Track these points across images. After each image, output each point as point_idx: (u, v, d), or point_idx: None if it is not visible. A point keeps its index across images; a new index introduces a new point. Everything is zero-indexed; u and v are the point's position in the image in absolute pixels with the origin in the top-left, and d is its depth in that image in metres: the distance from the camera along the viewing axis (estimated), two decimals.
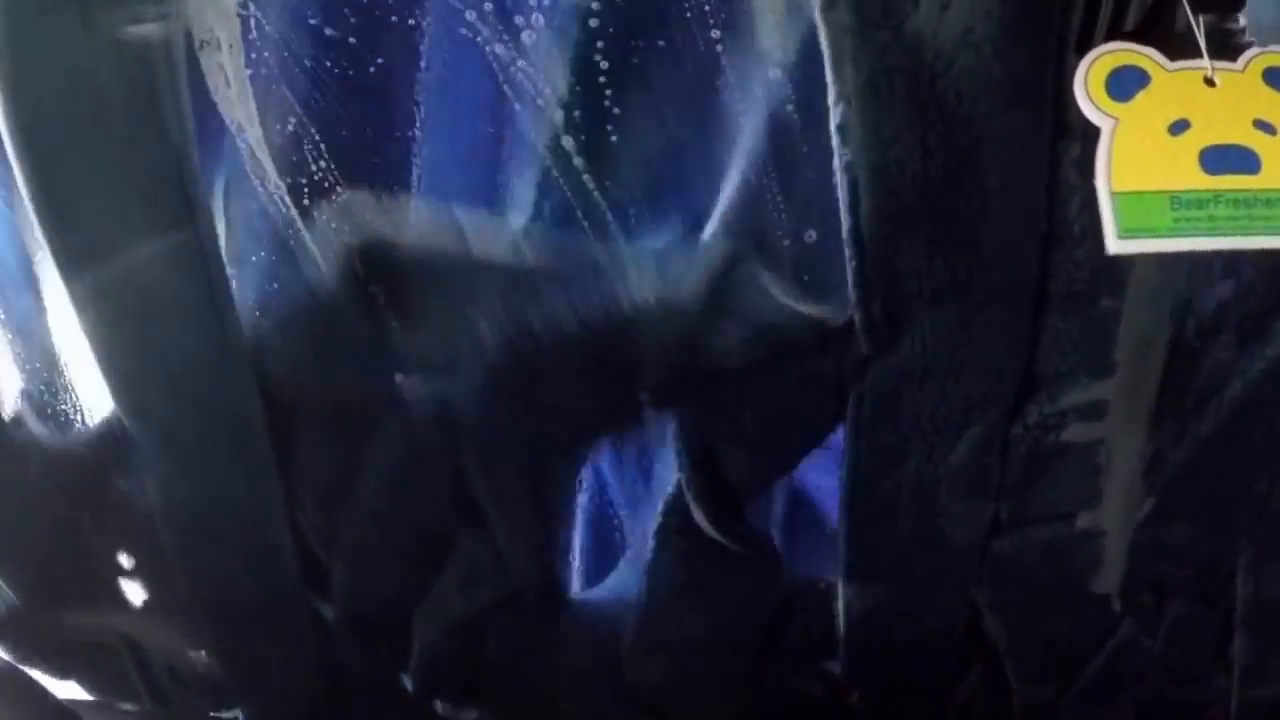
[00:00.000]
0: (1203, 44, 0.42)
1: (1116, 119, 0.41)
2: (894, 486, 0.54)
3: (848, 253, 0.48)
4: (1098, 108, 0.41)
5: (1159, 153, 0.41)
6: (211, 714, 0.62)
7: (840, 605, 0.59)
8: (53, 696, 0.56)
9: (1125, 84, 0.41)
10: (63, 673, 0.59)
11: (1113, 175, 0.40)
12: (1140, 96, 0.41)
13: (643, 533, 0.59)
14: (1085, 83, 0.41)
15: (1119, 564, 0.56)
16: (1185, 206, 0.40)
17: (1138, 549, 0.56)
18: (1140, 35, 0.43)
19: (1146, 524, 0.55)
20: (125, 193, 0.48)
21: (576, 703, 0.64)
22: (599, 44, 0.46)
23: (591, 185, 0.48)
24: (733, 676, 0.63)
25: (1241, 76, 0.42)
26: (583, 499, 0.63)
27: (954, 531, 0.56)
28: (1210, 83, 0.42)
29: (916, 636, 0.61)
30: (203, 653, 0.58)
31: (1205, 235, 0.40)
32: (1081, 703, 0.62)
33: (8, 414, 0.56)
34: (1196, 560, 0.57)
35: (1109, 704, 0.62)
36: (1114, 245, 0.40)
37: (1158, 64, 0.42)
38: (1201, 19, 0.41)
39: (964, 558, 0.57)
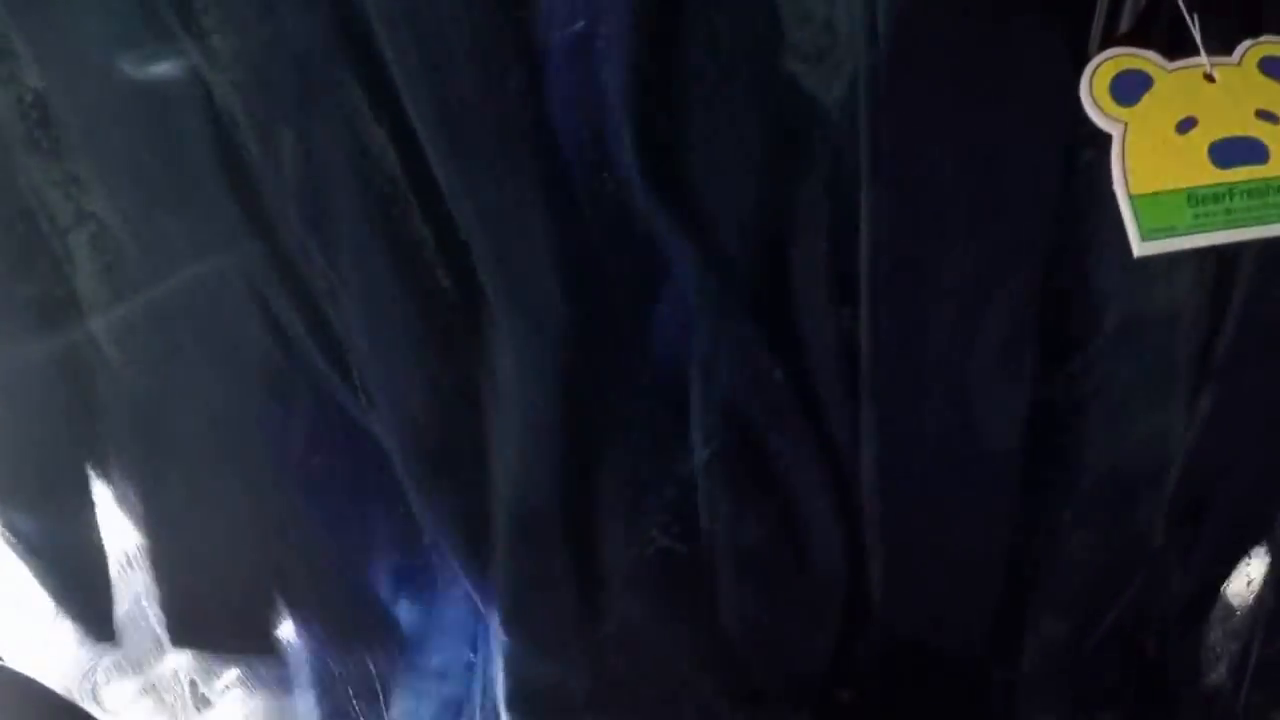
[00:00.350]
0: (1199, 40, 0.42)
1: (1125, 123, 0.42)
2: (916, 367, 0.50)
3: None
4: (1105, 114, 0.42)
5: (1170, 152, 0.41)
6: None
7: (874, 532, 0.55)
8: (54, 694, 0.56)
9: (1129, 88, 0.42)
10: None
11: (1129, 179, 0.41)
12: (1145, 99, 0.42)
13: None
14: (1090, 89, 0.42)
15: (1171, 476, 0.53)
16: (1203, 202, 0.41)
17: (1192, 461, 0.52)
18: (1134, 37, 0.43)
19: (1206, 428, 0.51)
20: None
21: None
22: None
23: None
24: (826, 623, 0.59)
25: (1239, 69, 0.43)
26: None
27: (989, 428, 0.51)
28: (1210, 78, 0.43)
29: (954, 562, 0.57)
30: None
31: (1225, 229, 0.41)
32: (1104, 648, 0.59)
33: None
34: (1246, 479, 0.54)
35: (1131, 647, 0.59)
36: (1139, 248, 0.41)
37: (1158, 65, 0.42)
38: (1196, 16, 0.42)
39: (1003, 462, 0.52)
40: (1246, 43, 0.43)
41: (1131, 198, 0.41)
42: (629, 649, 0.59)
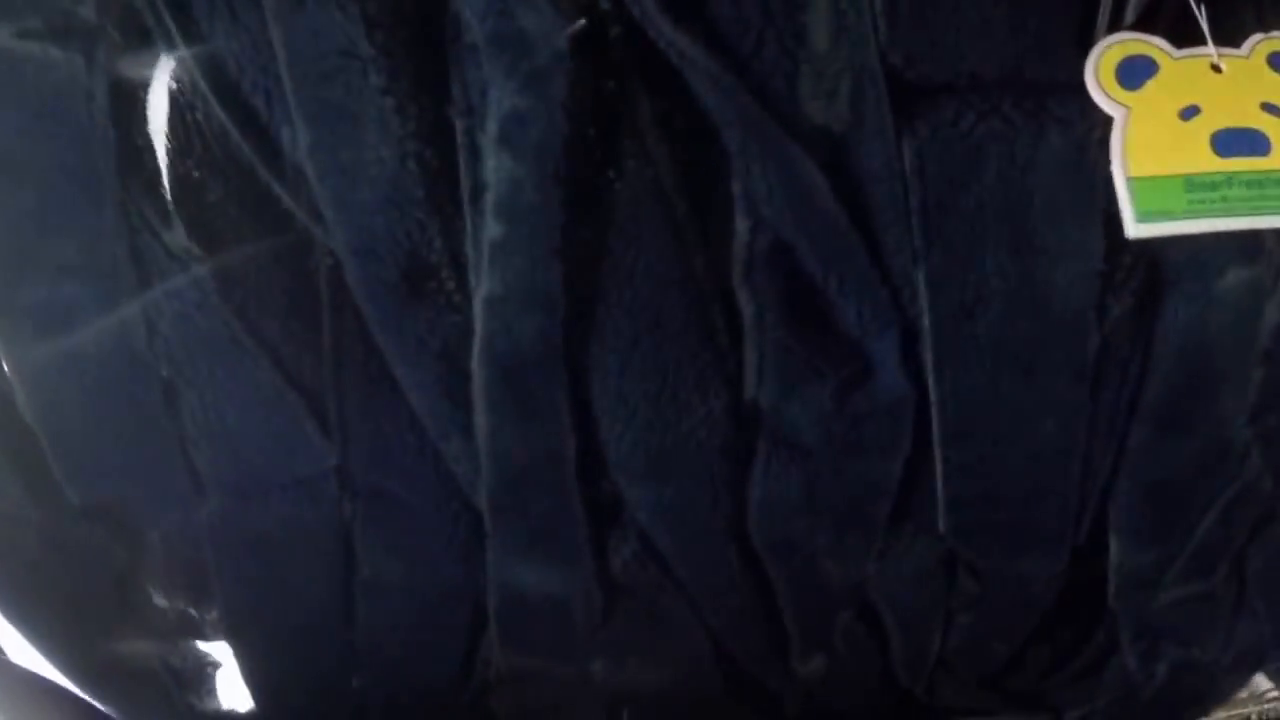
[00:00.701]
0: (1206, 31, 0.43)
1: (1128, 107, 0.42)
2: (975, 205, 0.43)
3: None
4: (1109, 97, 0.42)
5: (1172, 138, 0.42)
6: None
7: (938, 418, 0.46)
8: (58, 686, 0.56)
9: (1134, 73, 0.42)
10: (104, 698, 0.58)
11: (1128, 161, 0.41)
12: (1149, 84, 0.42)
13: None
14: (1096, 73, 0.42)
15: (1258, 356, 0.47)
16: (1199, 189, 0.41)
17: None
18: (1143, 26, 0.44)
19: None
20: None
21: None
22: None
23: None
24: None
25: (1247, 62, 0.43)
26: None
27: (1061, 277, 0.44)
28: (1216, 69, 0.43)
29: (1028, 464, 0.48)
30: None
31: (1220, 216, 0.41)
32: (1188, 576, 0.51)
33: None
34: None
35: (1218, 574, 0.52)
36: (1132, 230, 0.41)
37: (1164, 52, 0.43)
38: (1204, 7, 0.42)
39: (1078, 328, 0.45)
40: (1258, 36, 0.43)
41: (1129, 180, 0.41)
42: (640, 558, 0.48)
